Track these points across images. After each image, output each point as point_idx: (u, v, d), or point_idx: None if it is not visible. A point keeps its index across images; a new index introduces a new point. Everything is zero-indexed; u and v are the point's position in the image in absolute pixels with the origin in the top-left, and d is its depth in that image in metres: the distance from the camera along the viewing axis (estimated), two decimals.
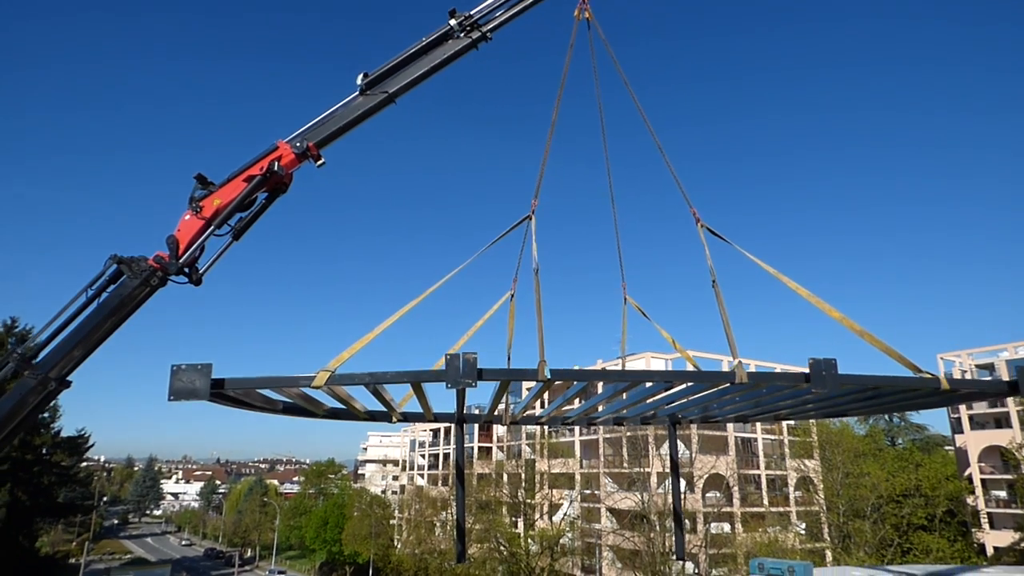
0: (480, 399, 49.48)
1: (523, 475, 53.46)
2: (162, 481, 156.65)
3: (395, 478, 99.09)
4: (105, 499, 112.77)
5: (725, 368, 7.14)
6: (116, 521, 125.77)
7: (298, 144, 7.46)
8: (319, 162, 7.63)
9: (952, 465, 53.92)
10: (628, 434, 47.30)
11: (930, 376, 4.87)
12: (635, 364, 48.94)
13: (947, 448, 59.83)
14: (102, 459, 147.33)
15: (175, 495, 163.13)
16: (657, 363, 49.92)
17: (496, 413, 6.88)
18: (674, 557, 35.65)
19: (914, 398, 5.49)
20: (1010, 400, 47.12)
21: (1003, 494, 50.59)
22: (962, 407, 53.70)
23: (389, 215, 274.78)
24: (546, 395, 40.68)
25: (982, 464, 52.17)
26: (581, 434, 56.56)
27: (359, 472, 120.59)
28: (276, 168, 7.27)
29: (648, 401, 6.78)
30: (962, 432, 54.67)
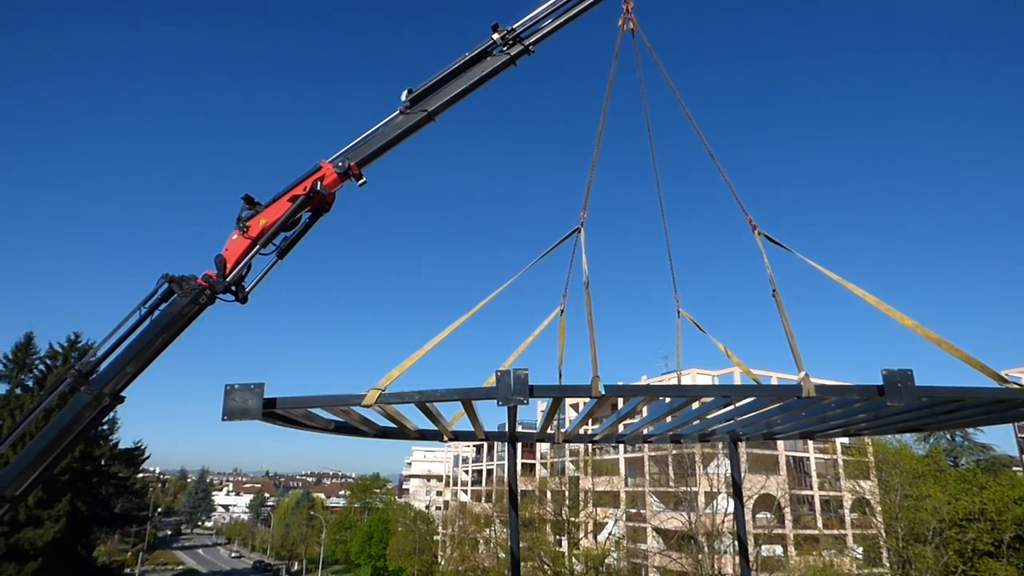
0: (525, 415, 49.23)
1: (567, 493, 52.80)
2: (213, 493, 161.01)
3: (439, 493, 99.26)
4: (159, 510, 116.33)
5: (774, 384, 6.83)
6: (169, 532, 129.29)
7: (340, 164, 7.50)
8: (360, 181, 7.68)
9: (1020, 487, 50.71)
10: (675, 452, 46.26)
11: (1018, 387, 4.54)
12: (682, 380, 47.95)
13: (1015, 469, 56.54)
14: (157, 471, 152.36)
15: (226, 507, 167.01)
16: (703, 379, 48.83)
17: (548, 431, 6.71)
18: None
19: (998, 411, 5.11)
20: None
21: None
22: None
23: (438, 231, 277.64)
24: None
25: None
26: (626, 451, 55.62)
27: (403, 487, 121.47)
28: (319, 188, 7.35)
29: (706, 418, 6.51)
30: None
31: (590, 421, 37.27)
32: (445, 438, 6.39)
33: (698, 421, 6.38)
